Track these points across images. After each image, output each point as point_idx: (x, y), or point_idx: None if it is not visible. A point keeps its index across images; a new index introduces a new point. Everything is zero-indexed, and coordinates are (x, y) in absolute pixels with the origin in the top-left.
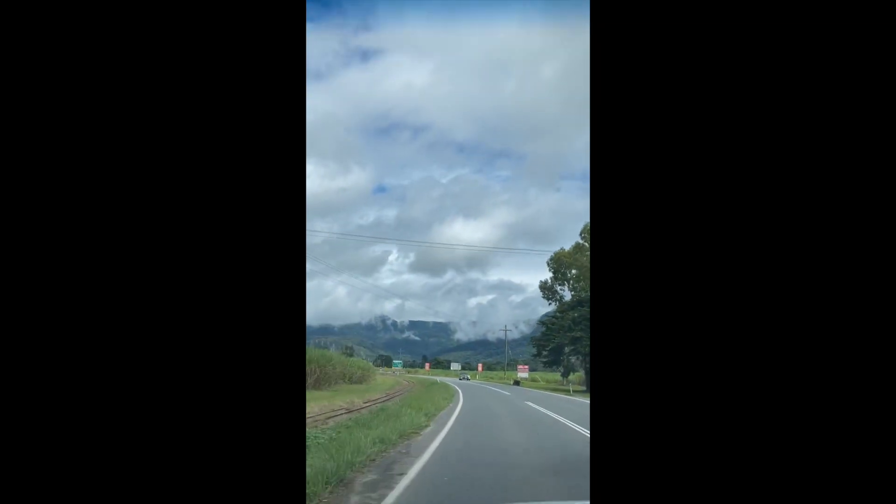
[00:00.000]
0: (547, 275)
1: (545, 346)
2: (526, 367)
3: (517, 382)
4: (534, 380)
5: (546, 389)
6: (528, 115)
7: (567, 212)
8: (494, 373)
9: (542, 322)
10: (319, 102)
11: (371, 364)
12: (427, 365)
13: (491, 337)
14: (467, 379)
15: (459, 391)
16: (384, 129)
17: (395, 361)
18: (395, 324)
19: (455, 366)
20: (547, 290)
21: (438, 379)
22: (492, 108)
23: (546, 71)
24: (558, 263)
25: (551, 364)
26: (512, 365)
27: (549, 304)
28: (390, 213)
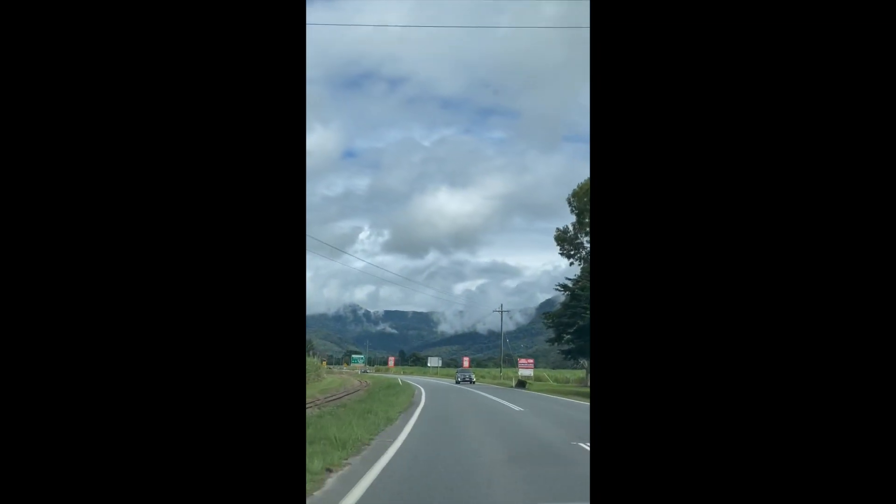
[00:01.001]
0: (566, 226)
1: (568, 325)
2: (530, 361)
3: (522, 384)
4: (539, 378)
5: (571, 394)
6: (526, 62)
7: (571, 180)
8: (486, 370)
9: (563, 287)
10: None
11: (319, 362)
12: (391, 361)
13: (481, 329)
14: (470, 381)
15: (421, 400)
16: (354, 81)
17: (355, 357)
18: (367, 314)
19: (434, 361)
20: (566, 241)
21: (401, 379)
22: (482, 55)
23: (547, 7)
24: (582, 202)
25: (577, 354)
26: (510, 360)
27: (571, 262)
28: (362, 183)
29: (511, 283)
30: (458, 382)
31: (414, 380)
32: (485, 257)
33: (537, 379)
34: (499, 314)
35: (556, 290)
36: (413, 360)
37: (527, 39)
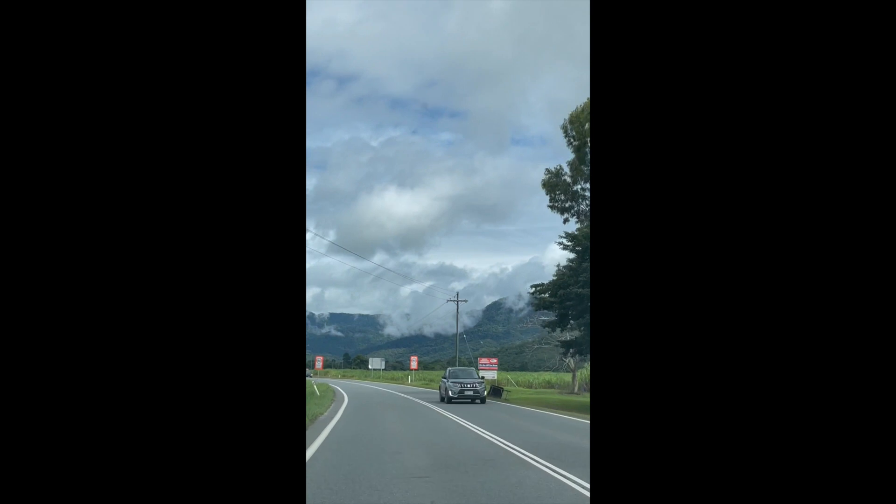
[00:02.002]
0: (555, 165)
1: (569, 303)
2: (494, 361)
3: (498, 391)
4: (502, 383)
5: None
6: (474, 59)
7: (521, 183)
8: (437, 373)
9: (569, 238)
10: None
11: None
12: (319, 362)
13: (428, 332)
14: (475, 393)
15: (326, 429)
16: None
17: None
18: (312, 317)
19: (376, 363)
20: (559, 188)
21: (331, 384)
22: (431, 53)
23: (496, 4)
24: (583, 130)
25: (579, 347)
26: (465, 361)
27: (566, 218)
28: (308, 183)
29: (458, 285)
30: (449, 399)
31: (348, 385)
32: (432, 259)
33: (508, 382)
34: (446, 317)
35: (559, 243)
36: (357, 362)
37: (475, 34)
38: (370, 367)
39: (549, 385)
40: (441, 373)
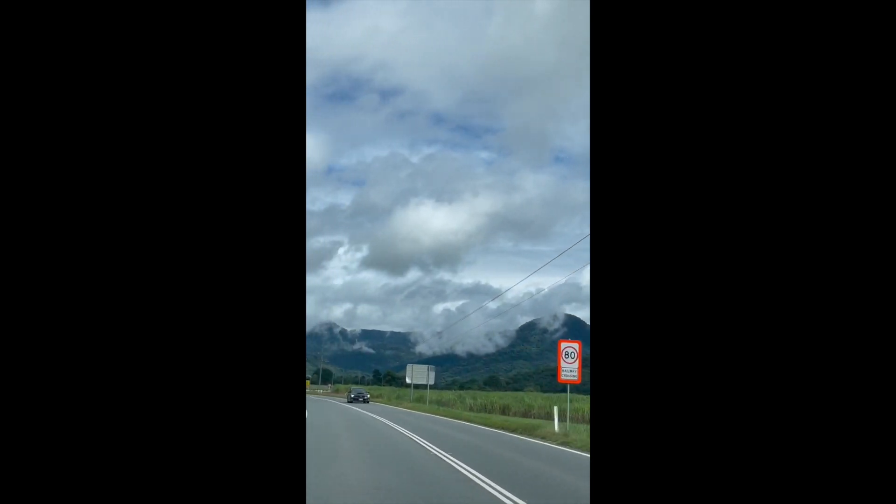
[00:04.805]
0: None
1: None
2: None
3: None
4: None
5: None
6: (516, 65)
7: (562, 202)
8: (469, 392)
9: None
10: None
11: None
12: (307, 382)
13: (460, 350)
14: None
15: None
16: (345, 93)
17: None
18: (344, 333)
19: (419, 373)
20: None
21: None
22: (473, 62)
23: (539, 5)
24: None
25: None
26: (495, 382)
27: None
28: (345, 198)
29: (492, 305)
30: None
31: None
32: (467, 278)
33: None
34: (479, 337)
35: None
36: (388, 379)
37: (518, 38)
38: (408, 380)
39: None
40: (463, 392)
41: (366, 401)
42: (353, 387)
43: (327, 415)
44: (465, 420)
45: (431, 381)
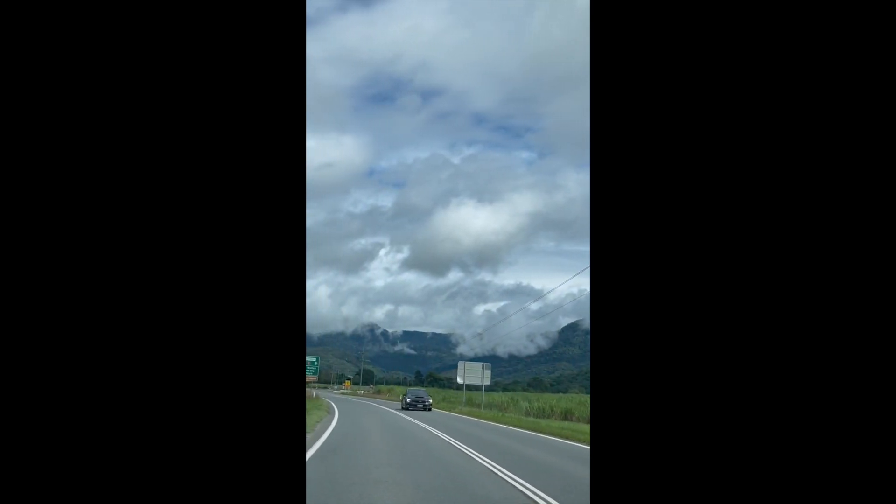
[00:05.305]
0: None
1: None
2: None
3: None
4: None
5: None
6: (558, 61)
7: None
8: (515, 393)
9: None
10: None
11: None
12: (347, 383)
13: (501, 352)
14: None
15: None
16: (386, 94)
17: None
18: (385, 334)
19: (471, 372)
20: None
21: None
22: (515, 60)
23: (580, 1)
24: None
25: None
26: (539, 384)
27: None
28: (386, 200)
29: (534, 306)
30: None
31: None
32: (508, 279)
33: None
34: (520, 339)
35: None
36: (430, 380)
37: (560, 32)
38: (459, 380)
39: None
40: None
41: (427, 408)
42: (410, 389)
43: (364, 426)
44: (558, 435)
45: (487, 382)
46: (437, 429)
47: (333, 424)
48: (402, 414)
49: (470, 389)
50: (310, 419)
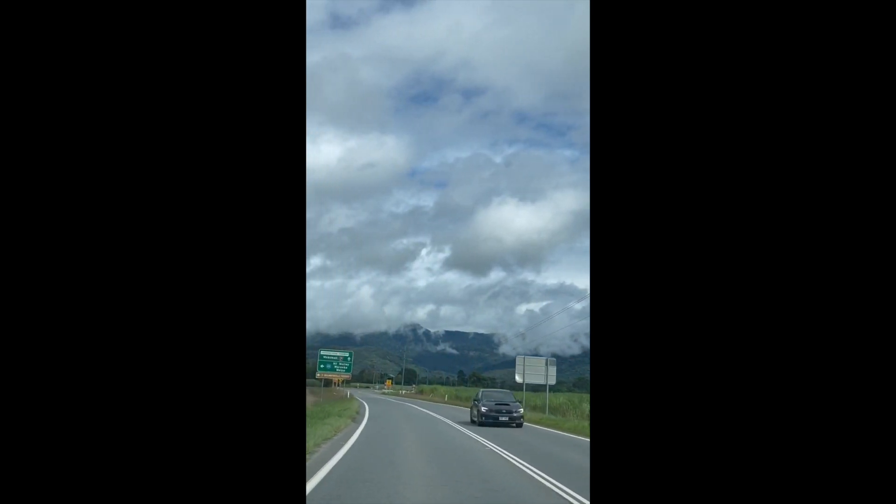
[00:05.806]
0: None
1: None
2: None
3: None
4: None
5: None
6: None
7: None
8: (562, 395)
9: None
10: (344, 55)
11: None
12: (389, 382)
13: (544, 352)
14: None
15: None
16: (428, 94)
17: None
18: (427, 334)
19: (532, 368)
20: None
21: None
22: (556, 55)
23: None
24: None
25: None
26: (583, 384)
27: None
28: (428, 200)
29: (577, 306)
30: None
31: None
32: (551, 278)
33: None
34: (563, 339)
35: None
36: (473, 380)
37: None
38: (518, 378)
39: None
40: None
41: (517, 422)
42: (484, 390)
43: (397, 444)
44: None
45: (552, 381)
46: (508, 451)
47: (352, 441)
48: (459, 427)
49: (528, 389)
50: (318, 432)
